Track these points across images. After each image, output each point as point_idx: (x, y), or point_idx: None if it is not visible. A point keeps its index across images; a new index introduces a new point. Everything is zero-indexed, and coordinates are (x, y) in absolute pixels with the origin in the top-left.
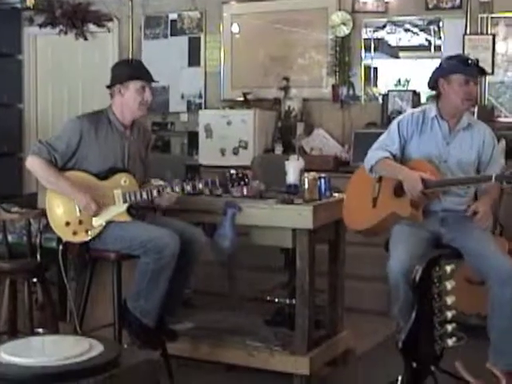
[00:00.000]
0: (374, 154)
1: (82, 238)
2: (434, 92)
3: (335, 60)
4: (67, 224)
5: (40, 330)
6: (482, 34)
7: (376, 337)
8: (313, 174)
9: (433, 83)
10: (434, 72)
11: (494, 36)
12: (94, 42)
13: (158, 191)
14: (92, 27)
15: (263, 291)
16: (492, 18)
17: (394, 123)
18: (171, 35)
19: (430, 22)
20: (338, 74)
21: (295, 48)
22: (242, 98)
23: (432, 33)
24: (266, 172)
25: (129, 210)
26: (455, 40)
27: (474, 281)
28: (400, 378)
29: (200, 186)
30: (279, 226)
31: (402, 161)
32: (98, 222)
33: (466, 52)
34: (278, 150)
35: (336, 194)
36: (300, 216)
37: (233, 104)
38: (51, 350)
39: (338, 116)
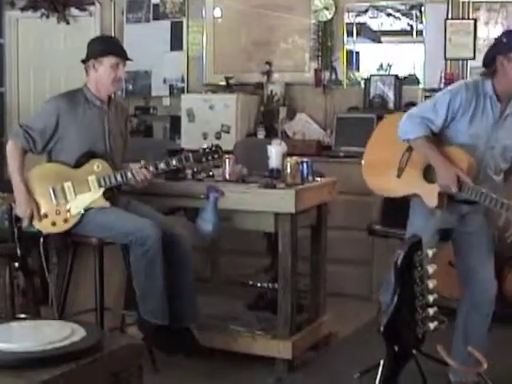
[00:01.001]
0: (414, 127)
1: (60, 227)
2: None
3: (318, 45)
4: (45, 216)
5: (22, 315)
6: (463, 18)
7: (358, 321)
8: (295, 158)
9: (489, 60)
10: (491, 48)
11: (475, 21)
12: (75, 25)
13: (132, 173)
14: (74, 11)
15: (245, 276)
16: (473, 2)
17: (446, 95)
18: (153, 19)
19: (412, 7)
20: (320, 58)
21: (278, 32)
22: (224, 83)
23: (414, 17)
24: (249, 156)
25: (105, 195)
26: (437, 25)
27: None
28: (382, 362)
29: (173, 162)
30: (261, 210)
31: (442, 139)
32: (76, 210)
33: (447, 37)
34: (261, 134)
35: (318, 179)
36: (282, 200)
37: (215, 88)
38: (33, 335)
39: (321, 100)
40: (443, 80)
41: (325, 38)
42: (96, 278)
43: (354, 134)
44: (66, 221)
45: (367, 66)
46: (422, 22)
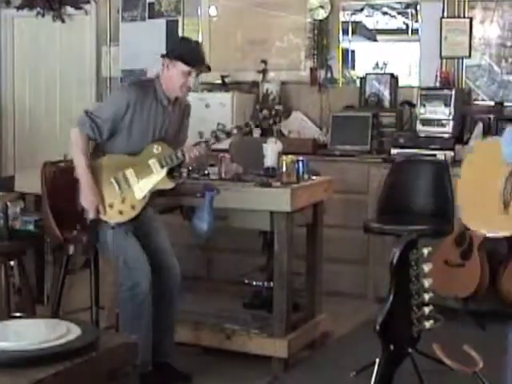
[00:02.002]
0: None
1: (129, 214)
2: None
3: (313, 43)
4: (111, 206)
5: (17, 314)
6: (459, 17)
7: (353, 320)
8: (291, 156)
9: None
10: None
11: (471, 19)
12: (71, 24)
13: (183, 151)
14: (69, 9)
15: (241, 274)
16: (469, 1)
17: None
18: (149, 18)
19: (408, 5)
20: (316, 57)
21: (273, 31)
22: (220, 81)
23: (409, 16)
24: (244, 155)
25: (170, 175)
26: (432, 23)
27: (451, 263)
28: (377, 361)
29: (222, 135)
30: (257, 208)
31: None
32: (141, 194)
33: (442, 35)
34: (256, 132)
35: (314, 177)
36: (278, 199)
37: (211, 87)
38: (28, 334)
39: (316, 99)
40: (439, 78)
41: (320, 36)
42: (91, 277)
43: (349, 132)
44: (133, 207)
45: (363, 65)
46: (417, 21)
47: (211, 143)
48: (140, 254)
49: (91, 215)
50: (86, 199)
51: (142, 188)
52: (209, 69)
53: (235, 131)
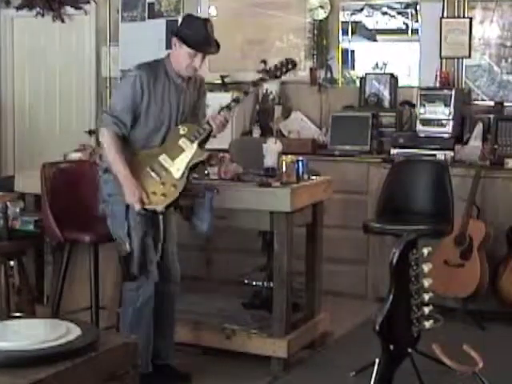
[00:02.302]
0: None
1: (173, 194)
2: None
3: (313, 43)
4: (154, 193)
5: (17, 314)
6: (458, 17)
7: (353, 320)
8: (290, 156)
9: None
10: None
11: (470, 19)
12: (71, 24)
13: (209, 122)
14: (69, 9)
15: (241, 274)
16: (469, 1)
17: None
18: (149, 18)
19: (408, 5)
20: (315, 57)
21: (273, 31)
22: (219, 81)
23: (409, 16)
24: (244, 155)
25: (201, 146)
26: (432, 23)
27: (451, 263)
28: (377, 361)
29: (241, 96)
30: (257, 208)
31: None
32: (179, 172)
33: (442, 35)
34: (256, 132)
35: (314, 177)
36: (277, 199)
37: (210, 87)
38: (28, 334)
39: (316, 99)
40: (438, 79)
41: (320, 36)
42: (91, 277)
43: (349, 132)
44: (174, 186)
45: (362, 65)
46: (417, 21)
47: (232, 106)
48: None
49: (137, 207)
50: (130, 193)
51: (178, 167)
52: (217, 48)
53: (251, 89)
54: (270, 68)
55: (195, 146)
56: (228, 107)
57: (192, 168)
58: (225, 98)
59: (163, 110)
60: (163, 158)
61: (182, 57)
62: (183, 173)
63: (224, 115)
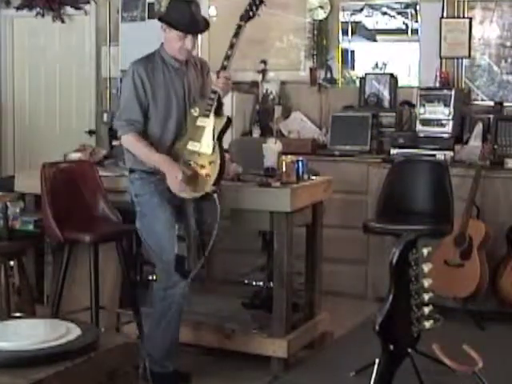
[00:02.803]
0: None
1: (214, 170)
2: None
3: (313, 43)
4: (195, 177)
5: (17, 314)
6: (458, 17)
7: (353, 320)
8: (290, 156)
9: None
10: None
11: (470, 19)
12: (71, 24)
13: (214, 89)
14: (69, 10)
15: (241, 274)
16: (468, 1)
17: None
18: (149, 18)
19: (407, 6)
20: (315, 57)
21: (273, 31)
22: None
23: (409, 16)
24: (244, 155)
25: (216, 113)
26: (432, 23)
27: (451, 263)
28: (377, 361)
29: (229, 51)
30: (257, 208)
31: None
32: (209, 148)
33: (442, 35)
34: (256, 132)
35: (313, 177)
36: (277, 199)
37: None
38: (28, 334)
39: (316, 99)
40: (438, 79)
41: (320, 36)
42: (91, 277)
43: (349, 132)
44: (211, 162)
45: (362, 65)
46: (417, 21)
47: (226, 65)
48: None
49: (183, 193)
50: (172, 175)
51: (207, 143)
52: (206, 26)
53: (234, 40)
54: (241, 14)
55: (212, 117)
56: (223, 67)
57: (220, 137)
58: (225, 97)
59: (169, 95)
60: (190, 144)
61: (173, 40)
62: (213, 145)
63: (224, 75)
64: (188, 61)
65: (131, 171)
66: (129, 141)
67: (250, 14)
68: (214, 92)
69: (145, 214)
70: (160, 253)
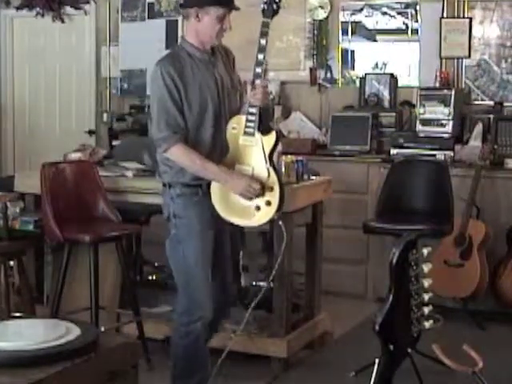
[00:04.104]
0: None
1: (275, 195)
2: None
3: (313, 43)
4: (258, 208)
5: (17, 314)
6: (458, 17)
7: (353, 320)
8: (290, 156)
9: None
10: None
11: (470, 19)
12: (71, 24)
13: (250, 102)
14: (69, 10)
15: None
16: (469, 1)
17: None
18: (148, 18)
19: (407, 6)
20: (315, 57)
21: (273, 31)
22: None
23: (409, 16)
24: None
25: (264, 131)
26: (432, 23)
27: (451, 263)
28: (377, 361)
29: (263, 41)
30: None
31: None
32: (265, 171)
33: (442, 35)
34: None
35: (313, 177)
36: None
37: None
38: (28, 334)
39: (316, 99)
40: (438, 79)
41: (320, 36)
42: (91, 277)
43: (349, 132)
44: (271, 189)
45: (362, 65)
46: (417, 21)
47: (258, 73)
48: (207, 283)
49: (255, 186)
50: (238, 185)
51: (260, 167)
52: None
53: (263, 41)
54: (262, 9)
55: (258, 135)
56: (257, 75)
57: (271, 156)
58: None
59: (202, 90)
60: (239, 169)
61: (209, 25)
62: (267, 168)
63: (260, 85)
64: (214, 50)
65: (170, 186)
66: (179, 153)
67: (274, 6)
68: (253, 106)
69: (180, 239)
70: (188, 284)
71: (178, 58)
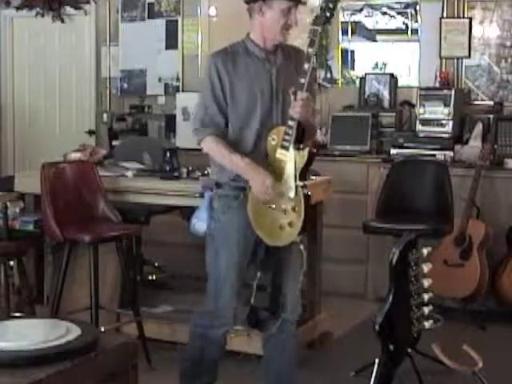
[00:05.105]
0: None
1: (298, 218)
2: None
3: None
4: (281, 228)
5: (17, 314)
6: (458, 17)
7: (353, 320)
8: None
9: None
10: None
11: (470, 19)
12: (70, 24)
13: (292, 116)
14: (69, 10)
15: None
16: (468, 1)
17: None
18: (148, 18)
19: (407, 6)
20: (315, 57)
21: None
22: None
23: (409, 16)
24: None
25: (299, 148)
26: (432, 23)
27: (451, 263)
28: (377, 361)
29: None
30: None
31: None
32: (292, 191)
33: (442, 35)
34: None
35: (313, 177)
36: None
37: None
38: (28, 334)
39: (316, 99)
40: (438, 79)
41: (320, 36)
42: (91, 277)
43: (349, 132)
44: (294, 209)
45: (362, 65)
46: (417, 21)
47: (302, 83)
48: (232, 298)
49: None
50: (257, 184)
51: (289, 185)
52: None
53: (310, 50)
54: (314, 18)
55: (292, 150)
56: (299, 86)
57: (303, 175)
58: None
59: (252, 88)
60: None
61: (273, 20)
62: (296, 187)
63: (301, 97)
64: (277, 49)
65: (217, 185)
66: (209, 145)
67: (327, 14)
68: (293, 118)
69: (216, 240)
70: (217, 288)
71: (232, 52)
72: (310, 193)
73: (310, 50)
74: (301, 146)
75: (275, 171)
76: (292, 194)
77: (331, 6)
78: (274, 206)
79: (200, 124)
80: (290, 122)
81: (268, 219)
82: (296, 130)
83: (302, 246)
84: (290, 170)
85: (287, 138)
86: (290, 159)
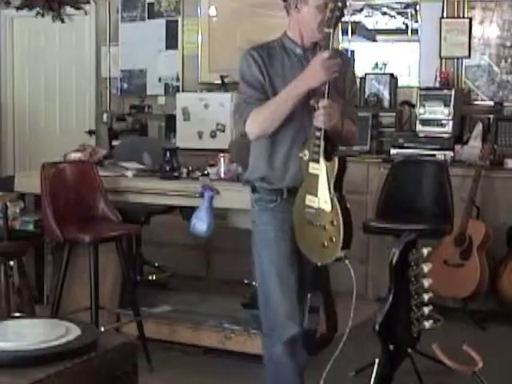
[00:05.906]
0: None
1: (338, 232)
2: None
3: None
4: (324, 246)
5: (17, 314)
6: (458, 17)
7: (353, 320)
8: None
9: None
10: None
11: (470, 19)
12: (71, 24)
13: (316, 125)
14: (69, 10)
15: (240, 274)
16: (468, 1)
17: None
18: (148, 18)
19: (407, 6)
20: None
21: (273, 31)
22: (219, 81)
23: (409, 16)
24: (244, 155)
25: (329, 158)
26: (432, 23)
27: (451, 263)
28: (377, 361)
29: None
30: None
31: None
32: (328, 205)
33: (442, 35)
34: None
35: None
36: None
37: (210, 87)
38: (28, 334)
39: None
40: (438, 79)
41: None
42: (91, 277)
43: None
44: (332, 223)
45: (362, 65)
46: (417, 21)
47: (323, 90)
48: (282, 297)
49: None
50: (313, 76)
51: (324, 198)
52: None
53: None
54: (328, 17)
55: (322, 161)
56: (321, 93)
57: (338, 186)
58: (225, 98)
59: (287, 85)
60: (309, 200)
61: (309, 16)
62: (331, 200)
63: (322, 105)
64: (316, 47)
65: (252, 190)
66: (252, 119)
67: (337, 13)
68: (317, 129)
69: (257, 246)
70: (262, 298)
71: (268, 48)
72: (349, 205)
73: (323, 87)
74: (332, 155)
75: (309, 187)
76: (328, 207)
77: (340, 5)
78: (312, 222)
79: (239, 115)
80: (317, 133)
81: (310, 238)
82: (324, 139)
83: (347, 262)
84: (322, 182)
85: (316, 149)
86: (322, 171)
